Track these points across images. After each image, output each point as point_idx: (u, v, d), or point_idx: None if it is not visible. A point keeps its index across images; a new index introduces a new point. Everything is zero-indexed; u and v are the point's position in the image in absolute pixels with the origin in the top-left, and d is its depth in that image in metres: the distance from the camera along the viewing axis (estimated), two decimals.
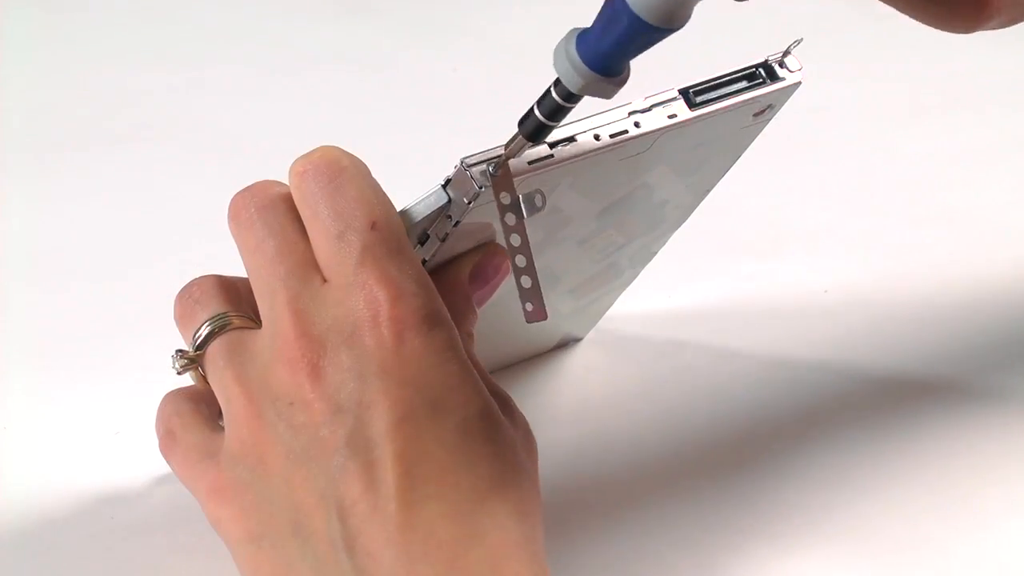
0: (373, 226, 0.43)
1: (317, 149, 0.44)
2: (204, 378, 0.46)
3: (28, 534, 0.50)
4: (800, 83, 0.47)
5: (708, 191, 0.53)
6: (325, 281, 0.43)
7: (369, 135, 0.81)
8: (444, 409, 0.41)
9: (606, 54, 0.40)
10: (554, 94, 0.42)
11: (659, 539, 0.50)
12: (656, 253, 0.56)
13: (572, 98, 0.41)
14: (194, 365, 0.46)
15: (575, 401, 0.58)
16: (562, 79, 0.41)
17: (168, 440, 0.47)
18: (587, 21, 0.40)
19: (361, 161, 0.45)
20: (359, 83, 0.88)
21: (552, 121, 0.42)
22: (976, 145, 0.78)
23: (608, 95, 0.41)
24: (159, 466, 0.50)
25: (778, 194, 0.71)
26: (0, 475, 0.53)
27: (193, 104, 0.86)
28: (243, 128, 0.82)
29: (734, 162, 0.52)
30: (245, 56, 0.92)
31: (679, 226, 0.55)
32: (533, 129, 0.43)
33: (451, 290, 0.46)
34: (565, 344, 0.60)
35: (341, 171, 0.44)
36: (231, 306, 0.46)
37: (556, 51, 0.41)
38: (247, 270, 0.45)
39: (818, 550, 0.49)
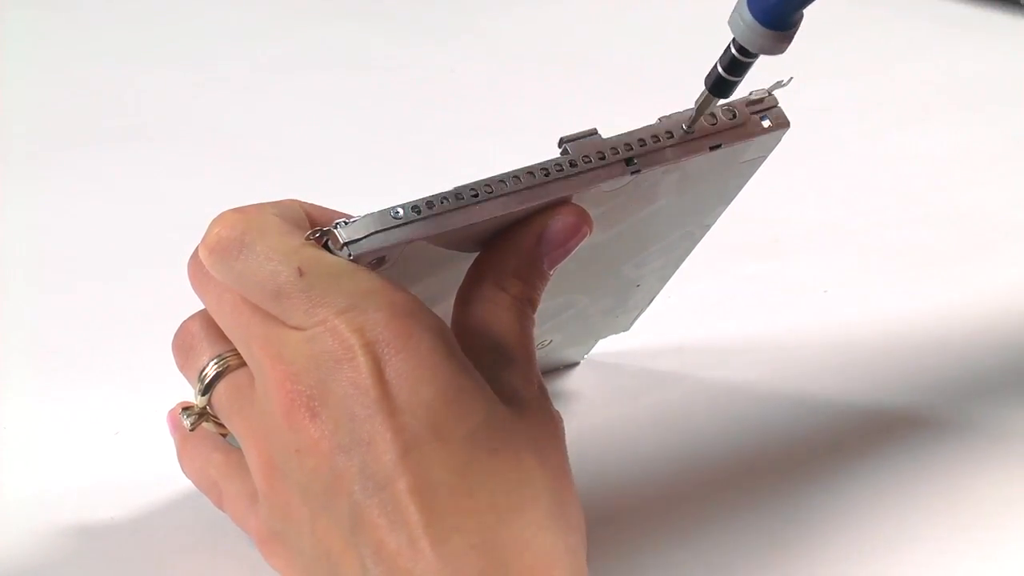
0: (300, 272, 0.41)
1: (210, 225, 0.43)
2: (218, 422, 0.46)
3: (27, 534, 0.50)
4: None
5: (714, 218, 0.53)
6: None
7: (367, 135, 0.81)
8: (445, 428, 0.40)
9: (770, 10, 0.42)
10: (732, 49, 0.43)
11: (660, 549, 0.50)
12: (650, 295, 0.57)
13: (747, 52, 0.43)
14: (204, 418, 0.46)
15: (572, 402, 0.58)
16: (734, 34, 0.43)
17: (215, 494, 0.47)
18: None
19: (258, 208, 0.43)
20: (357, 83, 0.88)
21: (733, 76, 0.44)
22: (976, 145, 0.78)
23: (776, 51, 0.43)
24: (159, 466, 0.50)
25: (778, 194, 0.71)
26: (0, 475, 0.53)
27: (193, 104, 0.86)
28: (243, 128, 0.82)
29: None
30: (245, 56, 0.92)
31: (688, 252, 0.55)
32: (715, 83, 0.44)
33: (516, 253, 0.45)
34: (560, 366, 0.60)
35: (240, 239, 0.42)
36: (221, 343, 0.45)
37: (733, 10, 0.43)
38: (220, 326, 0.45)
39: (820, 553, 0.49)
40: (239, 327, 0.43)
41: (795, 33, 0.43)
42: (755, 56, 0.43)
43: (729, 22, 0.43)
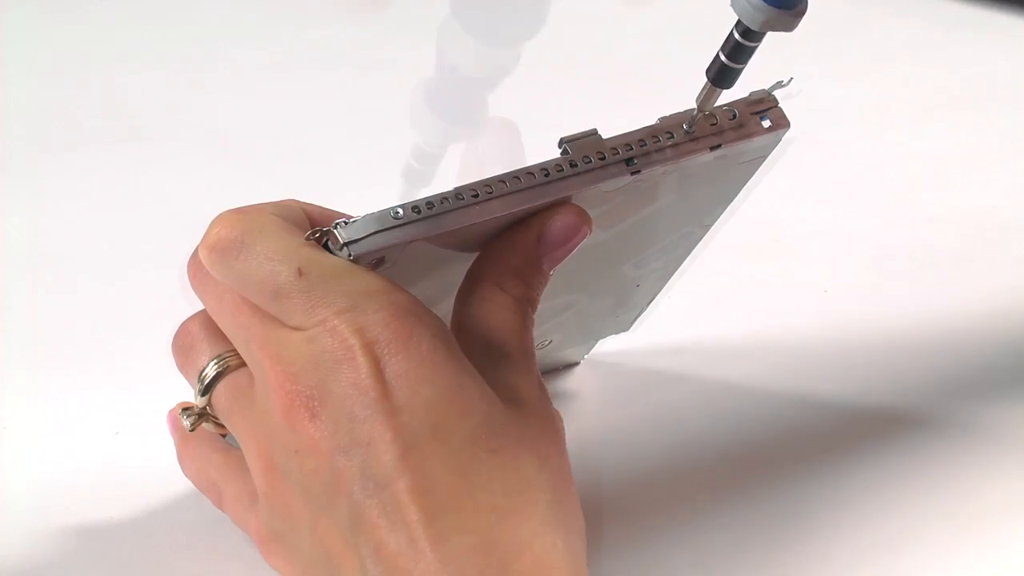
0: (299, 273, 0.41)
1: (210, 225, 0.43)
2: (217, 423, 0.46)
3: (27, 534, 0.50)
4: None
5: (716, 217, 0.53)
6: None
7: (367, 135, 0.81)
8: (445, 428, 0.40)
9: None
10: (735, 34, 0.42)
11: (658, 551, 0.50)
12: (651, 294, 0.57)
13: (751, 35, 0.42)
14: (204, 418, 0.46)
15: (572, 402, 0.58)
16: (739, 16, 0.42)
17: (215, 495, 0.47)
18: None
19: (258, 208, 0.43)
20: (358, 83, 0.88)
21: (735, 62, 0.43)
22: (976, 145, 0.78)
23: (788, 27, 0.42)
24: (159, 466, 0.50)
25: (778, 194, 0.71)
26: (0, 475, 0.53)
27: (193, 104, 0.86)
28: (243, 128, 0.82)
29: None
30: (245, 56, 0.92)
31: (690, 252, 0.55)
32: (717, 72, 0.43)
33: (516, 252, 0.45)
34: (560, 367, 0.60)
35: (240, 239, 0.42)
36: (221, 343, 0.45)
37: None
38: (219, 327, 0.45)
39: (820, 553, 0.49)
40: (239, 327, 0.43)
41: (804, 10, 0.42)
42: (758, 40, 0.42)
43: (732, 5, 0.42)
